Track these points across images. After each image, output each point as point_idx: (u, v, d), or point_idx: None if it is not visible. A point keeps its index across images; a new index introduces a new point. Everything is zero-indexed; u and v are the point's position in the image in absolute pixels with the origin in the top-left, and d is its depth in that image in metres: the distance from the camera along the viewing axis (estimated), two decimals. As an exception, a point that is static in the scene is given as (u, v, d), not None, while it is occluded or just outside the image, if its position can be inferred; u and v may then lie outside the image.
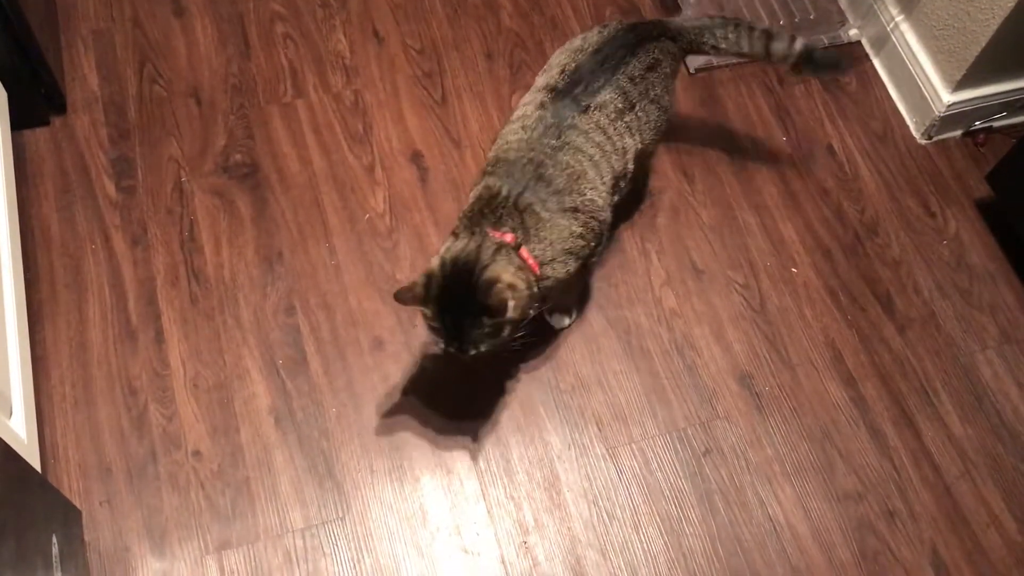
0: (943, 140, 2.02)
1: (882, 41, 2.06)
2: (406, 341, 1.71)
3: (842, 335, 1.78)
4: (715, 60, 2.05)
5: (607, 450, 1.64)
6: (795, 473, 1.65)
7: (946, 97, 1.93)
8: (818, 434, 1.69)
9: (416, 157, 1.90)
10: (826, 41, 2.10)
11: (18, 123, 1.81)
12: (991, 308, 1.84)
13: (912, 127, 2.02)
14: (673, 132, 1.96)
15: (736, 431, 1.68)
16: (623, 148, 1.54)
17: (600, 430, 1.66)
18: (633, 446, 1.65)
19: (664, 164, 1.93)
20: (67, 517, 1.42)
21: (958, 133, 2.02)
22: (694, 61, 2.03)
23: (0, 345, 1.45)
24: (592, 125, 1.50)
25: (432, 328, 1.43)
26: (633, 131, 1.55)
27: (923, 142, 2.01)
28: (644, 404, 1.69)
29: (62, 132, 1.85)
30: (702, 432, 1.67)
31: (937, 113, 1.95)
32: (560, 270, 1.48)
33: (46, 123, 1.85)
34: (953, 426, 1.71)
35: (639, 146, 1.57)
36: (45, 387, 1.62)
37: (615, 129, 1.53)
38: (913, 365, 1.77)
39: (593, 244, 1.53)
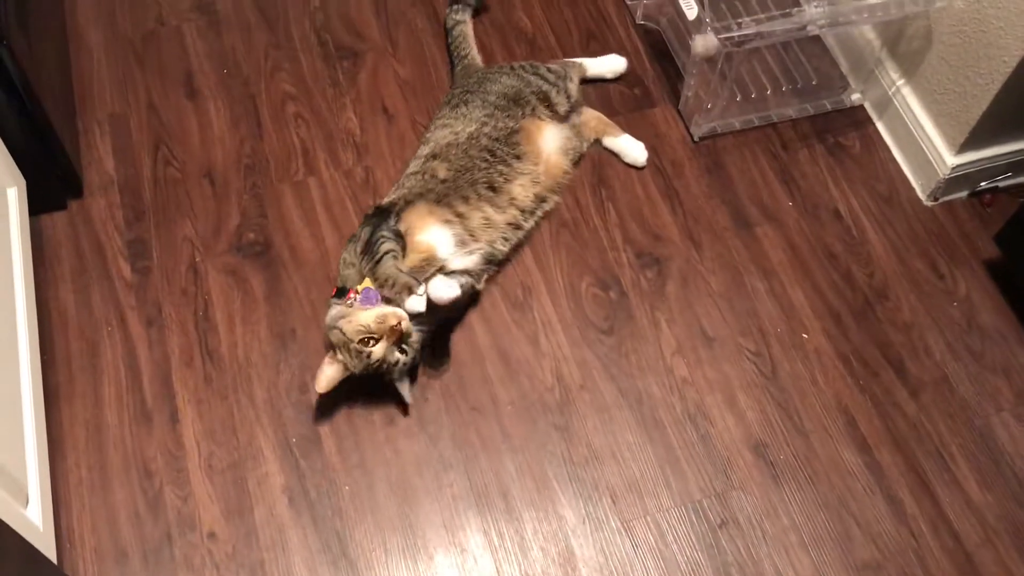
0: (949, 201, 2.03)
1: (884, 105, 2.08)
2: (418, 416, 1.72)
3: (855, 401, 1.78)
4: (718, 127, 2.08)
5: (622, 523, 1.64)
6: (812, 543, 1.63)
7: (950, 159, 1.95)
8: (834, 502, 1.67)
9: (426, 231, 1.92)
10: (829, 106, 2.13)
11: (36, 208, 1.85)
12: (1004, 369, 1.83)
13: (918, 189, 2.04)
14: (679, 199, 1.99)
15: (752, 501, 1.67)
16: None
17: (615, 503, 1.65)
18: (648, 519, 1.64)
19: (671, 232, 1.95)
20: (82, 604, 1.42)
21: (964, 194, 2.03)
22: (698, 129, 2.06)
23: (17, 433, 1.47)
24: None
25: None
26: None
27: (929, 204, 2.02)
28: (658, 475, 1.68)
29: (79, 215, 1.89)
30: (717, 503, 1.66)
31: (942, 175, 1.96)
32: None
33: (63, 207, 1.89)
34: (971, 492, 1.69)
35: None
36: (61, 469, 1.63)
37: None
38: (928, 429, 1.76)
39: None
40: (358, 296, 1.66)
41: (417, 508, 1.63)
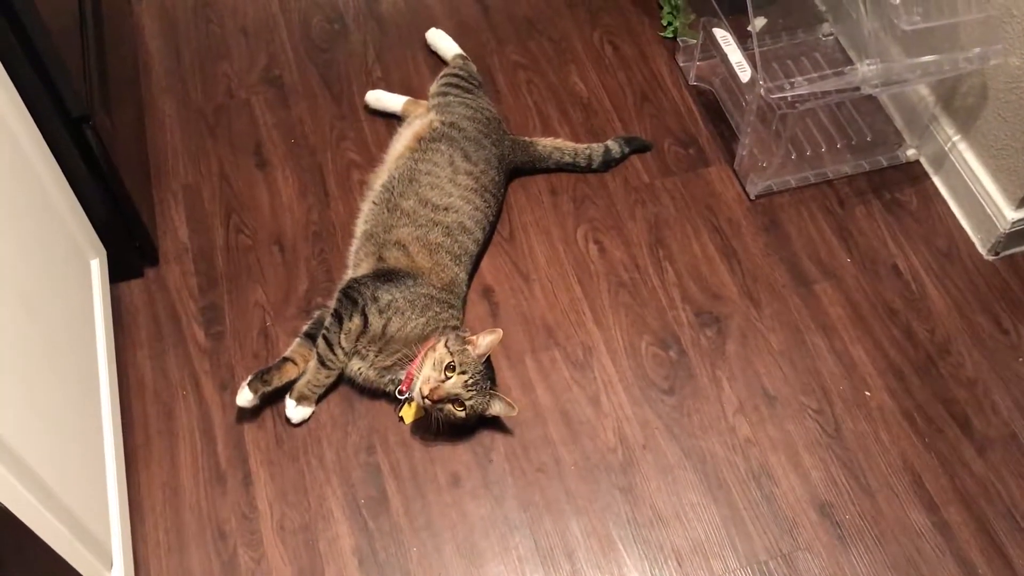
0: (1011, 255, 2.02)
1: (940, 160, 2.09)
2: (483, 477, 1.75)
3: (921, 459, 1.77)
4: (774, 185, 2.10)
5: (688, 585, 1.64)
6: (882, 606, 1.62)
7: (1010, 214, 1.94)
8: (903, 563, 1.66)
9: (487, 292, 1.97)
10: (885, 162, 2.14)
11: (114, 276, 1.93)
12: (1075, 426, 1.81)
13: (977, 243, 2.03)
14: (737, 257, 2.01)
15: (819, 562, 1.66)
16: None
17: (680, 565, 1.66)
18: (714, 580, 1.65)
19: (730, 290, 1.97)
20: (163, 666, 1.46)
21: (1025, 248, 2.03)
22: (753, 188, 2.09)
23: (101, 497, 1.53)
24: None
25: None
26: None
27: (990, 258, 2.01)
28: (724, 537, 1.68)
29: (155, 283, 1.97)
30: (784, 565, 1.66)
31: (1002, 229, 1.96)
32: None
33: (140, 275, 1.97)
34: (1045, 552, 1.67)
35: None
36: (140, 532, 1.68)
37: None
38: (997, 488, 1.74)
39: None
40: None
41: (484, 570, 1.65)
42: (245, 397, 1.76)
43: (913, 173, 2.14)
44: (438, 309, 1.80)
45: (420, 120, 2.05)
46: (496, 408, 1.73)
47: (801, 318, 1.94)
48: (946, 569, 1.65)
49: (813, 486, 1.74)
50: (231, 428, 1.80)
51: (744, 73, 1.98)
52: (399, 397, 1.76)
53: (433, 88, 2.13)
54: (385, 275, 1.81)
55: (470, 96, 2.09)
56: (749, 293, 1.97)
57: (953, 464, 1.76)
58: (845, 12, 2.24)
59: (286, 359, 1.80)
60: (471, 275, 1.95)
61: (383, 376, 1.78)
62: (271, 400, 1.81)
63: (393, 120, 2.18)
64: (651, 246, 2.03)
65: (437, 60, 2.31)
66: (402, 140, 2.03)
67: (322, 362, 1.77)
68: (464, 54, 2.25)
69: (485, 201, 1.95)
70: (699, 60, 2.26)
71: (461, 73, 2.15)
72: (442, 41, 2.29)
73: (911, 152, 2.15)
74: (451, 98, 2.07)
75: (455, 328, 1.79)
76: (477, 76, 2.19)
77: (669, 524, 1.70)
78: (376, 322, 1.75)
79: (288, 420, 1.78)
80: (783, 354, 1.89)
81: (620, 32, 2.38)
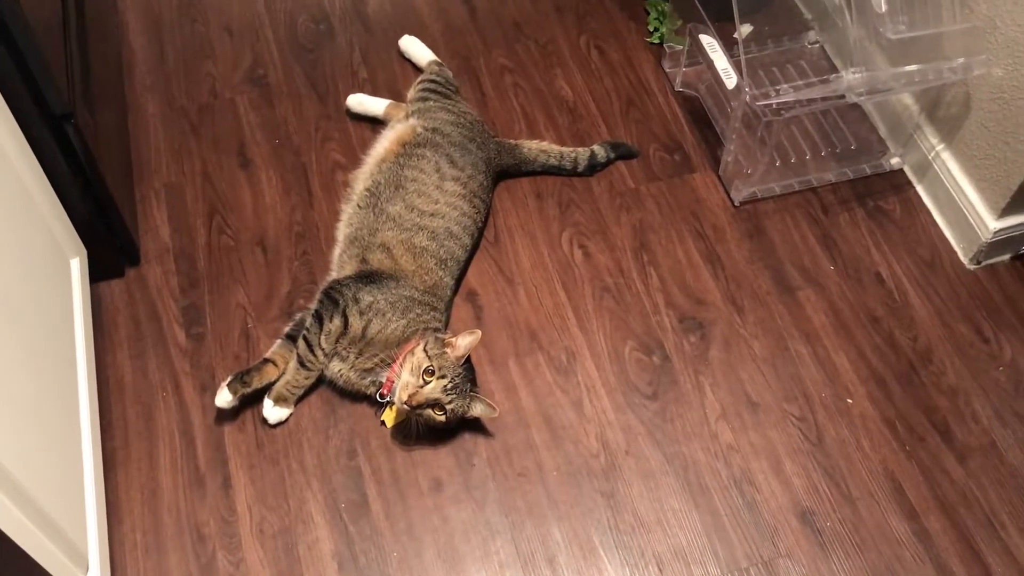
0: (992, 265, 2.03)
1: (924, 169, 2.10)
2: (464, 481, 1.74)
3: (902, 467, 1.77)
4: (759, 192, 2.10)
5: (669, 591, 1.64)
6: (862, 613, 1.62)
7: (992, 224, 1.95)
8: (883, 571, 1.66)
9: (471, 296, 1.96)
10: (869, 170, 2.15)
11: (95, 275, 1.91)
12: (1054, 435, 1.82)
13: (960, 252, 2.04)
14: (721, 263, 2.01)
15: (799, 569, 1.66)
16: None
17: (661, 571, 1.65)
18: (695, 587, 1.65)
19: (714, 296, 1.97)
20: (139, 671, 1.44)
21: (1007, 257, 2.03)
22: (738, 194, 2.09)
23: (78, 500, 1.51)
24: None
25: None
26: None
27: (972, 267, 2.03)
28: (705, 543, 1.68)
29: (136, 283, 1.95)
30: (765, 571, 1.66)
31: (984, 239, 1.97)
32: None
33: (121, 274, 1.95)
34: (1023, 560, 1.68)
35: None
36: (117, 534, 1.67)
37: None
38: (977, 496, 1.74)
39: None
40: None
41: (464, 575, 1.65)
42: (224, 398, 1.74)
43: (897, 182, 2.15)
44: (419, 311, 1.79)
45: (402, 124, 2.04)
46: (477, 410, 1.72)
47: (784, 325, 1.94)
48: (926, 577, 1.66)
49: (795, 493, 1.74)
50: (211, 430, 1.78)
51: (730, 80, 1.98)
52: (380, 400, 1.75)
53: (411, 94, 2.12)
54: (367, 277, 1.80)
55: (449, 101, 2.09)
56: (733, 299, 1.97)
57: (933, 472, 1.77)
58: (831, 20, 2.25)
59: (266, 360, 1.78)
60: (459, 279, 1.94)
61: (364, 378, 1.76)
62: (252, 402, 1.80)
63: (378, 122, 2.17)
64: (635, 251, 2.03)
65: (423, 62, 2.31)
66: (385, 143, 2.02)
67: (302, 363, 1.76)
68: (439, 60, 2.25)
69: (473, 206, 1.95)
70: (685, 66, 2.27)
71: (438, 79, 2.15)
72: (416, 48, 2.28)
73: (895, 161, 2.16)
74: (431, 103, 2.07)
75: (436, 330, 1.78)
76: (454, 81, 2.18)
77: (651, 530, 1.69)
78: (356, 323, 1.74)
79: (265, 420, 1.77)
80: (766, 361, 1.89)
81: (607, 37, 2.38)
